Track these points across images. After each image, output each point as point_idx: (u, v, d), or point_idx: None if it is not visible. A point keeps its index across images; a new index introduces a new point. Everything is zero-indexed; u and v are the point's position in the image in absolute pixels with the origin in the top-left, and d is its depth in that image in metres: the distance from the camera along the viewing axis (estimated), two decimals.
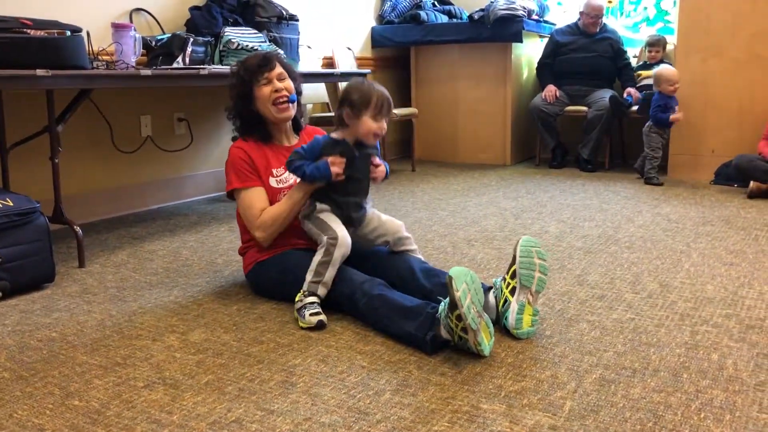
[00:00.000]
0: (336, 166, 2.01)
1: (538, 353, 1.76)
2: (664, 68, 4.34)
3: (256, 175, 2.20)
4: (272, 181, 2.22)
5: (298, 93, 2.29)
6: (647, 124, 4.38)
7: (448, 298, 1.69)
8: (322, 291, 2.00)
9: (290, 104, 2.22)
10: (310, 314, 1.94)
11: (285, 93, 2.20)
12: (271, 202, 2.20)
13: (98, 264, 2.66)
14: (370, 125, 2.01)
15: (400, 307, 1.85)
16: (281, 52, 3.69)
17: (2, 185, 2.77)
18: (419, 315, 1.79)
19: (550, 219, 3.34)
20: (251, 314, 2.08)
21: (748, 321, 1.97)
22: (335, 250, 1.98)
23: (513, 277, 1.88)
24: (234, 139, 2.34)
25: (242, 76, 2.21)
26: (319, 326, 1.93)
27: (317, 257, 2.00)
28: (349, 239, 2.02)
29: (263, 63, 2.21)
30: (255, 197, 2.18)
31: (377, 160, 2.11)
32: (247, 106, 2.23)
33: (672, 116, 4.25)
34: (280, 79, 2.21)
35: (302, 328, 1.95)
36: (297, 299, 2.01)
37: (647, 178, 4.32)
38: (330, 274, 1.99)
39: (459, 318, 1.64)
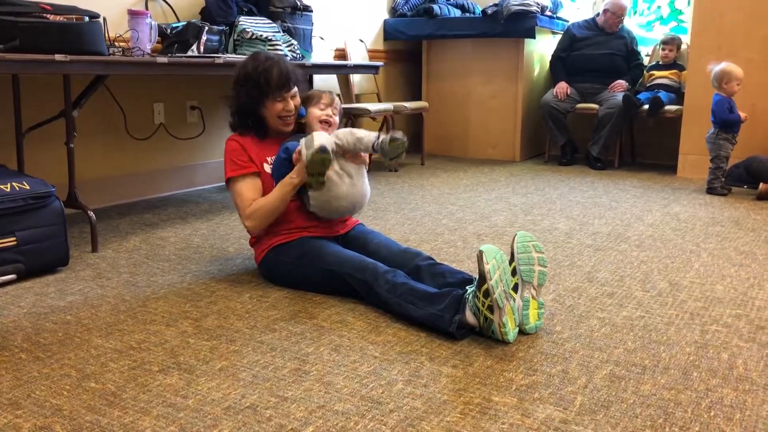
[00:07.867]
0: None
1: (549, 348, 1.77)
2: (731, 66, 3.88)
3: (250, 162, 2.25)
4: (266, 167, 2.27)
5: (302, 100, 2.32)
6: (711, 131, 3.96)
7: (475, 282, 1.75)
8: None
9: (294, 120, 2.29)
10: None
11: (293, 111, 2.26)
12: (267, 189, 2.23)
13: (111, 249, 2.68)
14: (315, 113, 2.26)
15: (425, 293, 1.88)
16: (288, 55, 3.63)
17: (17, 168, 2.79)
18: (444, 299, 1.83)
19: (560, 216, 3.34)
20: (263, 302, 2.09)
21: (758, 321, 1.97)
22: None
23: (513, 274, 1.87)
24: (231, 129, 2.37)
25: (259, 85, 2.19)
26: (322, 150, 2.03)
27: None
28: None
29: (284, 83, 2.20)
30: (246, 187, 2.23)
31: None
32: (252, 109, 2.26)
33: (742, 114, 3.89)
34: (293, 96, 2.25)
35: None
36: None
37: (710, 188, 3.97)
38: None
39: (486, 294, 1.68)
